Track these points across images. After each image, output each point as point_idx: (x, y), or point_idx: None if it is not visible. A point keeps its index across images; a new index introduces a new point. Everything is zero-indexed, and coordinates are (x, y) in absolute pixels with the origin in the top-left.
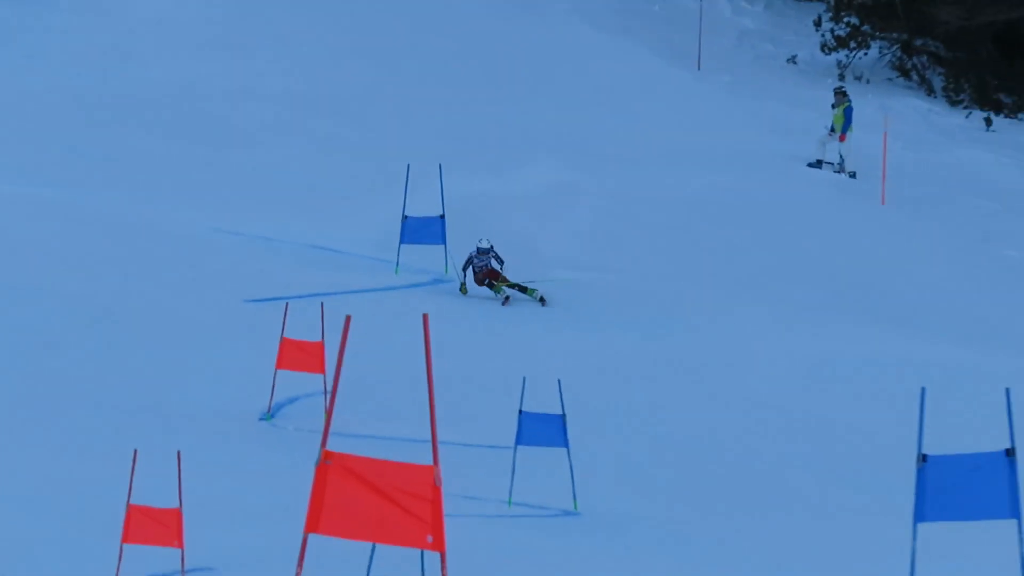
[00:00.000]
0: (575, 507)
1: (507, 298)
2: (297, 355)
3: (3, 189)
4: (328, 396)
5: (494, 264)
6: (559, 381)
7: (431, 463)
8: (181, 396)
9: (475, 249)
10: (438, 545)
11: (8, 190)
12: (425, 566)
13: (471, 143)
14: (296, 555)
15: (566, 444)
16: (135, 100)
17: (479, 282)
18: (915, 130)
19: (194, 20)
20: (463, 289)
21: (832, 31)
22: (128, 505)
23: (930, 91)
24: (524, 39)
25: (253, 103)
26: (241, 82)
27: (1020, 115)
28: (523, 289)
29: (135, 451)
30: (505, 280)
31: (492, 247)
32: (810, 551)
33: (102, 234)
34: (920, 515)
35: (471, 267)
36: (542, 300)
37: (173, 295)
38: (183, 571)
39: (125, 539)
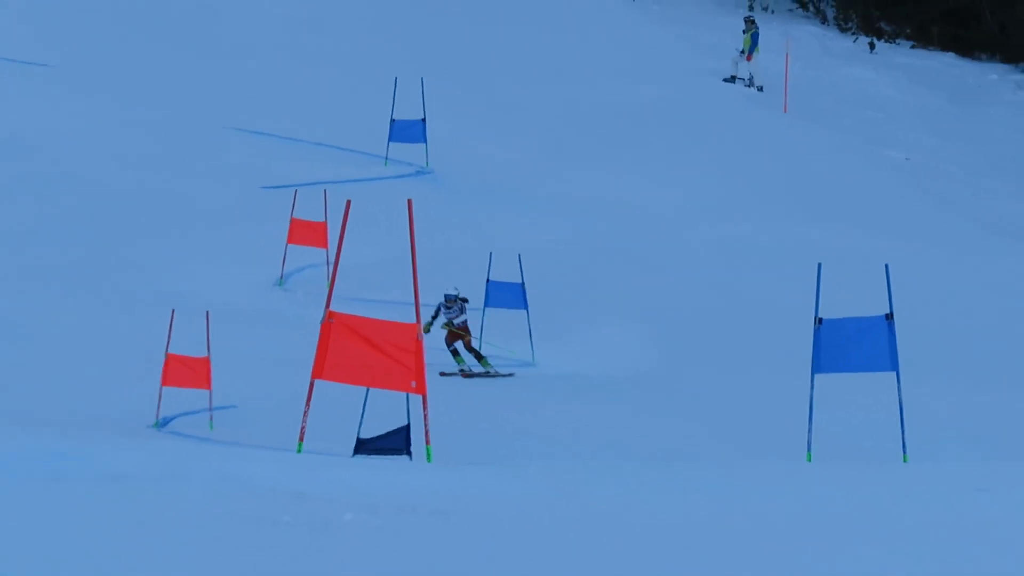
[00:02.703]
0: (532, 359)
1: (463, 372)
2: (305, 232)
3: (61, 99)
4: (330, 267)
5: (463, 318)
6: (519, 256)
7: (415, 322)
8: (209, 265)
9: (443, 298)
10: (420, 389)
11: (63, 94)
12: (410, 408)
13: (447, 59)
14: (304, 397)
15: (526, 307)
16: (154, 17)
17: (448, 341)
18: (811, 52)
19: None
20: (427, 329)
21: None
22: (167, 354)
23: (824, 20)
24: None
25: (257, 21)
26: (245, 3)
27: (898, 40)
28: (480, 358)
29: (172, 310)
30: (470, 346)
31: (459, 294)
32: (726, 400)
33: (135, 133)
34: (816, 368)
35: (440, 316)
36: (495, 375)
37: (198, 183)
38: (211, 409)
39: (164, 383)
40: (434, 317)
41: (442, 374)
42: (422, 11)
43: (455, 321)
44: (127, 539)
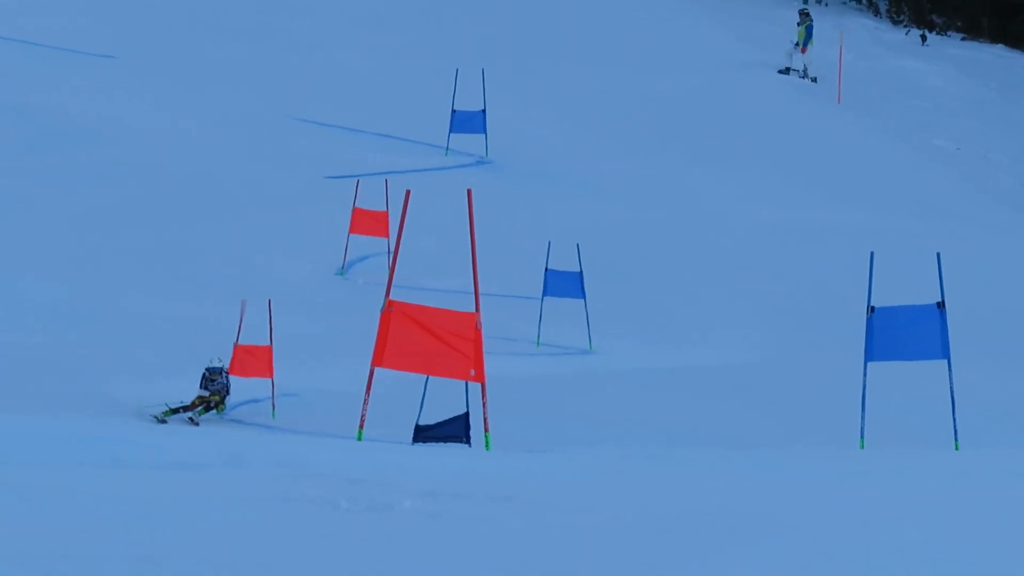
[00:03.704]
0: (590, 346)
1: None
2: (366, 222)
3: (130, 90)
4: (391, 256)
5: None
6: (577, 245)
7: (474, 311)
8: (275, 253)
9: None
10: (479, 377)
11: (132, 85)
12: (468, 396)
13: (506, 51)
14: (364, 385)
15: (583, 296)
16: (220, 11)
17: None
18: (864, 44)
19: None
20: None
21: None
22: (235, 345)
23: (876, 12)
24: None
25: (321, 15)
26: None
27: (948, 32)
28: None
29: (243, 301)
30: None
31: (223, 366)
32: (776, 384)
33: (201, 123)
34: (869, 356)
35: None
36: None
37: (265, 171)
38: (273, 397)
39: (231, 371)
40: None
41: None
42: (481, 4)
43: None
44: (188, 524)
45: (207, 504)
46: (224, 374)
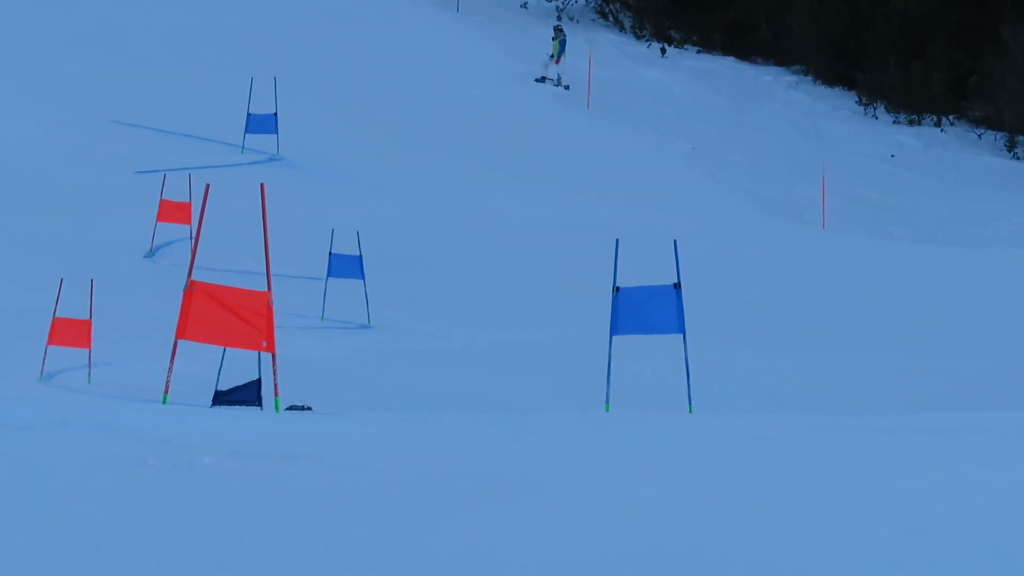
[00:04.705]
0: (369, 322)
1: None
2: (172, 211)
3: None
4: (193, 241)
5: None
6: (357, 232)
7: (266, 290)
8: (92, 239)
9: None
10: (270, 348)
11: None
12: (261, 365)
13: (297, 61)
14: (168, 355)
15: (363, 277)
16: (59, 27)
17: None
18: (611, 56)
19: None
20: None
21: None
22: (54, 317)
23: (622, 28)
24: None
25: (144, 31)
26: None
27: (686, 46)
28: None
29: (61, 280)
30: None
31: None
32: (538, 356)
33: (36, 125)
34: (614, 330)
35: None
36: None
37: (85, 168)
38: (90, 365)
39: (50, 342)
40: None
41: None
42: (281, 23)
43: None
44: (15, 482)
45: (33, 464)
46: None
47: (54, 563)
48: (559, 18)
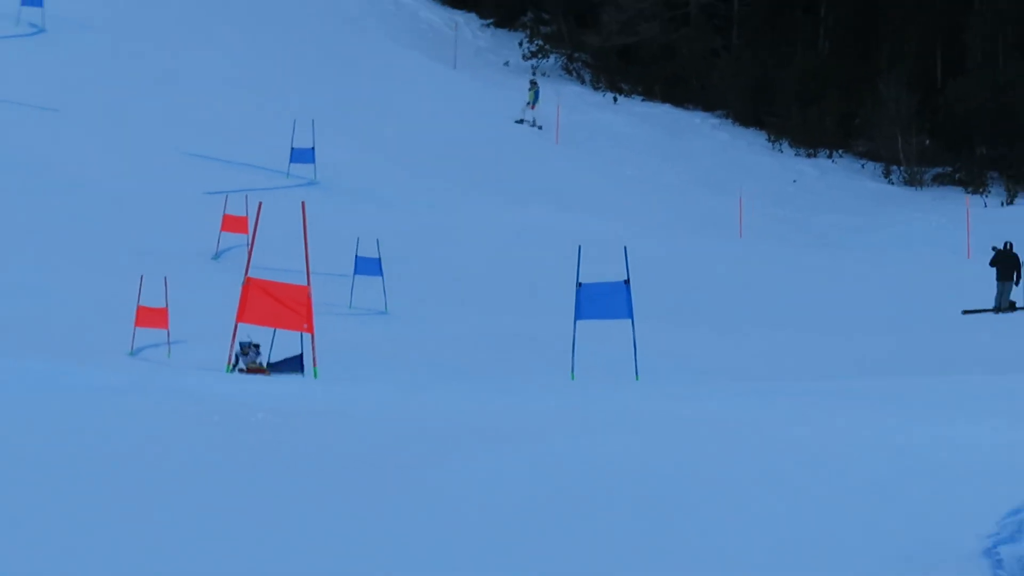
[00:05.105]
0: (386, 310)
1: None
2: (233, 223)
3: (66, 132)
4: (249, 246)
5: (259, 359)
6: (377, 240)
7: (306, 284)
8: (170, 244)
9: (239, 345)
10: (310, 329)
11: (66, 128)
12: (303, 342)
13: (330, 105)
14: (230, 335)
15: (382, 274)
16: (130, 70)
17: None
18: (574, 103)
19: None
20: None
21: (529, 48)
22: (138, 305)
23: (583, 82)
24: (349, 47)
25: (208, 81)
26: (199, 65)
27: (632, 95)
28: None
29: (142, 276)
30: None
31: (252, 341)
32: (523, 339)
33: (124, 156)
34: (577, 316)
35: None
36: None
37: (165, 189)
38: (168, 342)
39: (137, 324)
40: (235, 365)
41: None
42: (310, 76)
43: (256, 362)
44: (122, 432)
45: (123, 417)
46: (253, 347)
47: (135, 490)
48: (534, 73)
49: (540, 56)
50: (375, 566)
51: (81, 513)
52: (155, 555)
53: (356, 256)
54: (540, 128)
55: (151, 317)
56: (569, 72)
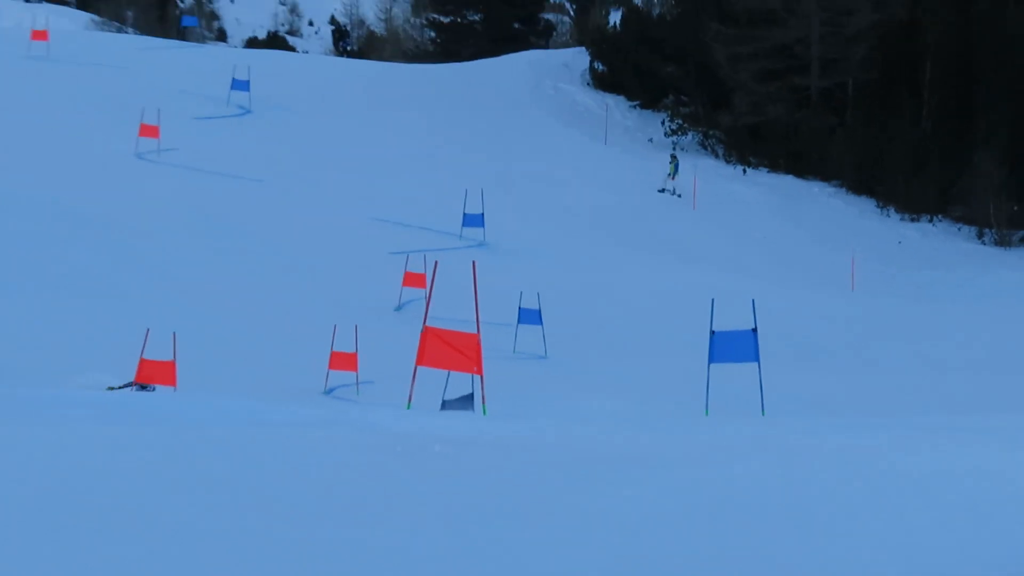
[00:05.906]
0: (545, 355)
1: None
2: (413, 279)
3: (274, 201)
4: (427, 299)
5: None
6: (538, 293)
7: (476, 332)
8: (358, 298)
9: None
10: (479, 372)
11: (274, 199)
12: (474, 384)
13: (496, 176)
14: (411, 376)
15: (541, 323)
16: (325, 147)
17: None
18: (709, 175)
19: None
20: None
21: (670, 126)
22: (332, 351)
23: (717, 156)
24: (515, 127)
25: (390, 163)
26: (372, 142)
27: (760, 167)
28: None
29: (335, 325)
30: None
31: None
32: (645, 379)
33: (322, 222)
34: (711, 360)
35: None
36: None
37: (356, 250)
38: (357, 383)
39: (330, 367)
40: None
41: None
42: (480, 152)
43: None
44: (316, 464)
45: (323, 450)
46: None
47: (334, 511)
48: (674, 148)
49: (680, 133)
50: None
51: (295, 532)
52: (347, 566)
53: (519, 307)
54: (679, 196)
55: (343, 361)
56: (705, 147)
